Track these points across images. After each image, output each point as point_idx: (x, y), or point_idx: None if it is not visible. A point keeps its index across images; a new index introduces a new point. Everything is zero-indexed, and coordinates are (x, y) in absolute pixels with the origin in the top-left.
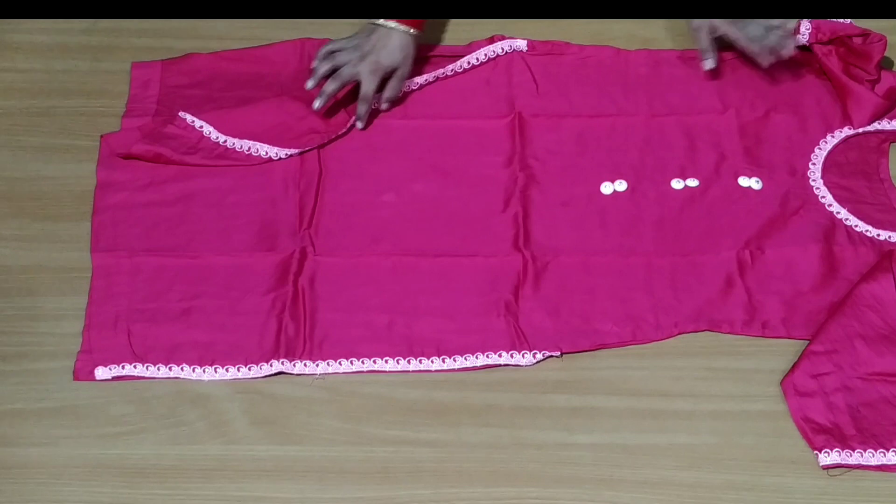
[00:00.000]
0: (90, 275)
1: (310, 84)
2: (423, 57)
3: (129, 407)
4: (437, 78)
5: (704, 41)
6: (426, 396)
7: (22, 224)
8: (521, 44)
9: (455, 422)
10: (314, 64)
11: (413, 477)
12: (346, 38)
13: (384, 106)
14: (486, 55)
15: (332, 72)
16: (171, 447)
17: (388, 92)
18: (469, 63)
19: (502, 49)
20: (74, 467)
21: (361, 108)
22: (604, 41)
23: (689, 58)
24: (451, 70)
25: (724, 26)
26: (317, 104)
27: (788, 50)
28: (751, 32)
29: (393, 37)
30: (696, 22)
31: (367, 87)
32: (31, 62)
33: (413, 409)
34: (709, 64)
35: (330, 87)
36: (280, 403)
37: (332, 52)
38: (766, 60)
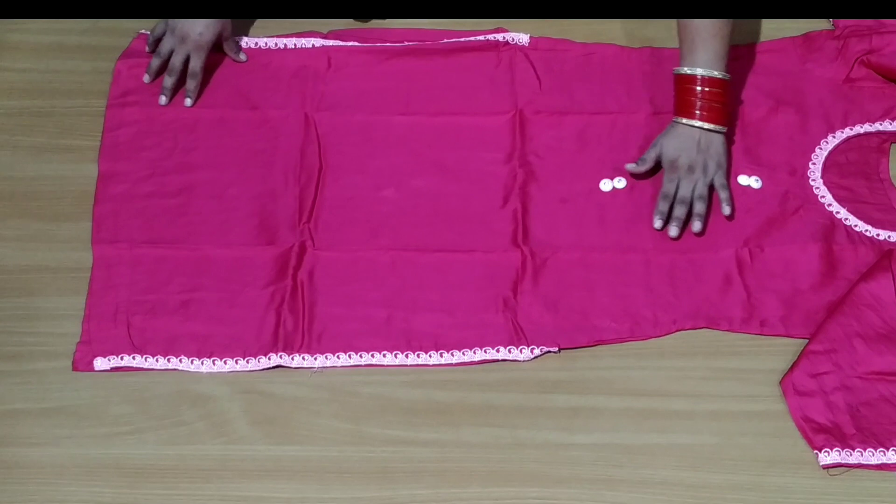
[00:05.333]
0: (90, 274)
1: (146, 79)
2: (422, 44)
3: (129, 407)
4: (435, 45)
5: (650, 152)
6: (426, 396)
7: (22, 224)
8: (524, 38)
9: (455, 422)
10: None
11: (413, 477)
12: (163, 22)
13: (189, 83)
14: (485, 37)
15: (165, 65)
16: (171, 447)
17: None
18: (467, 39)
19: (503, 38)
20: (74, 467)
21: (190, 84)
22: (605, 41)
23: None
24: (447, 41)
25: (666, 164)
26: (162, 100)
27: (675, 231)
28: (679, 191)
29: None
30: (658, 138)
31: (195, 63)
32: (31, 62)
33: (413, 409)
34: (630, 166)
35: (168, 82)
36: (280, 403)
37: (156, 41)
38: (655, 223)
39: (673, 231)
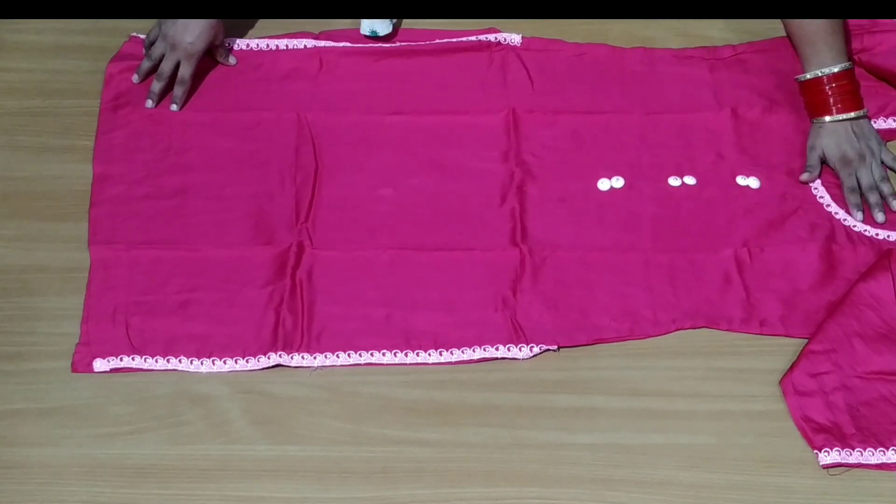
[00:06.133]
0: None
1: (135, 79)
2: (415, 44)
3: (129, 407)
4: (427, 45)
5: (812, 159)
6: (426, 396)
7: (22, 224)
8: (516, 38)
9: (455, 422)
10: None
11: (413, 477)
12: (157, 25)
13: (177, 90)
14: (477, 38)
15: (155, 68)
16: (171, 447)
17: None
18: (459, 40)
19: (495, 38)
20: (74, 467)
21: (178, 91)
22: (602, 41)
23: (685, 56)
24: (439, 41)
25: (836, 164)
26: (149, 104)
27: (883, 216)
28: (861, 181)
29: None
30: (812, 143)
31: (185, 70)
32: (31, 62)
33: (413, 409)
34: (804, 177)
35: (156, 87)
36: (280, 403)
37: (150, 45)
38: (855, 216)
39: (881, 217)
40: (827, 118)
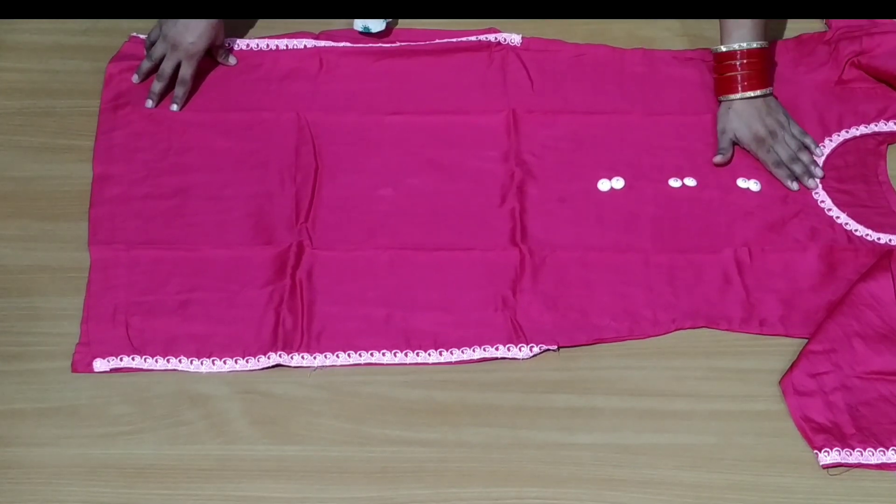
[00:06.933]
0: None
1: (135, 79)
2: (415, 44)
3: (129, 407)
4: (427, 45)
5: (724, 142)
6: (426, 396)
7: (22, 224)
8: (516, 38)
9: (455, 422)
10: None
11: (413, 477)
12: (158, 25)
13: (178, 90)
14: (477, 38)
15: (155, 68)
16: (171, 447)
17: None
18: (459, 40)
19: (495, 38)
20: (74, 467)
21: (179, 91)
22: (603, 41)
23: (685, 58)
24: (439, 41)
25: (751, 144)
26: (149, 104)
27: (813, 181)
28: (780, 155)
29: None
30: (722, 126)
31: (185, 71)
32: (31, 62)
33: (413, 409)
34: (717, 159)
35: (156, 87)
36: (280, 403)
37: (150, 46)
38: (791, 186)
39: (812, 183)
40: (732, 96)
